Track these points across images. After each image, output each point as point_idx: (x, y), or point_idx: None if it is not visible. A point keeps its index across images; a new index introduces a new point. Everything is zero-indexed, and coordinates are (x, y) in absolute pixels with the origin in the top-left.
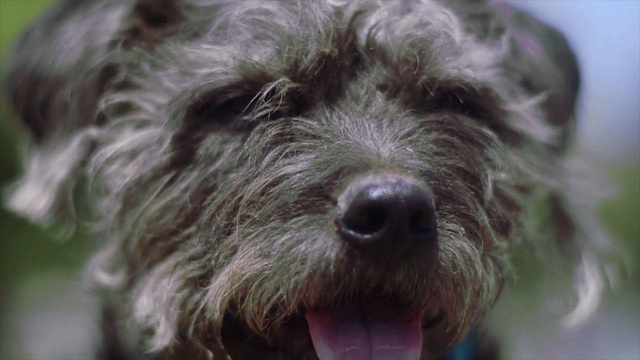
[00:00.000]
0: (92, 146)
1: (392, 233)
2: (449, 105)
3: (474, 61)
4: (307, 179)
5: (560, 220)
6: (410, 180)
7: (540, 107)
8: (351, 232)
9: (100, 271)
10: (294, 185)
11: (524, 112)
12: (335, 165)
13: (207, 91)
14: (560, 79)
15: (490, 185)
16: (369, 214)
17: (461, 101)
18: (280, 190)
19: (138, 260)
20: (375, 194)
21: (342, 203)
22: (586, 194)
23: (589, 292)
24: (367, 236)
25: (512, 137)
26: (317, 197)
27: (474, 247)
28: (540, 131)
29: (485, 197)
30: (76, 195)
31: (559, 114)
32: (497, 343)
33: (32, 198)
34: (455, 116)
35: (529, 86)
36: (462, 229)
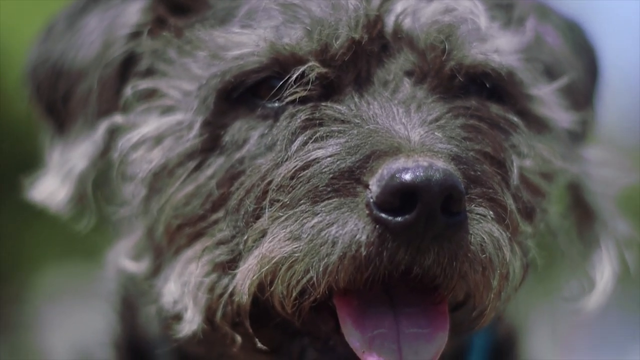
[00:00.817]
0: (115, 135)
1: (424, 216)
2: (475, 91)
3: (500, 46)
4: (338, 162)
5: (580, 207)
6: (441, 164)
7: (561, 94)
8: (383, 215)
9: (125, 258)
10: (325, 169)
11: (547, 96)
12: (365, 149)
13: (237, 73)
14: (579, 69)
15: (516, 171)
16: (401, 197)
17: (487, 85)
18: (311, 174)
19: (164, 247)
20: (407, 176)
21: (374, 186)
22: (606, 181)
23: (604, 276)
24: (399, 219)
25: (536, 124)
26: (348, 180)
27: (502, 231)
28: (562, 117)
29: (511, 182)
30: (98, 184)
31: (578, 102)
32: (515, 330)
33: (52, 189)
34: (481, 102)
35: (549, 74)
36: (491, 212)
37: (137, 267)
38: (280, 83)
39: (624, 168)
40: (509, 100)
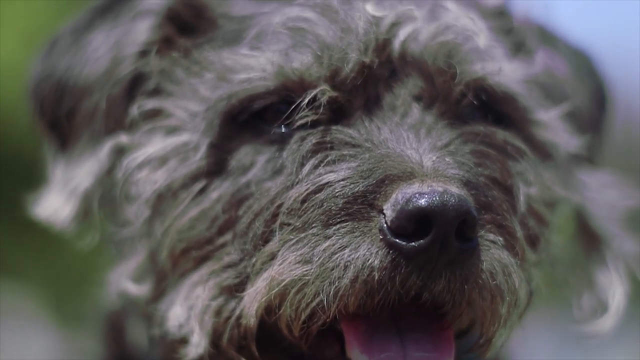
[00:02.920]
0: (119, 154)
1: (439, 241)
2: (481, 116)
3: (503, 69)
4: (351, 186)
5: (586, 234)
6: (455, 190)
7: (565, 119)
8: (397, 240)
9: (127, 280)
10: (338, 193)
11: (552, 121)
12: (378, 174)
13: (244, 97)
14: (584, 95)
15: (522, 198)
16: (415, 222)
17: (491, 106)
18: (324, 198)
19: (168, 270)
20: (422, 201)
21: (389, 211)
22: (611, 205)
23: (616, 297)
24: (413, 244)
25: (541, 150)
26: (361, 204)
27: (511, 259)
28: (567, 141)
29: (518, 209)
30: (101, 204)
31: (582, 127)
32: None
33: (56, 207)
34: (488, 128)
35: (553, 99)
36: (500, 239)
37: (138, 289)
38: (292, 107)
39: (628, 189)
40: (514, 126)
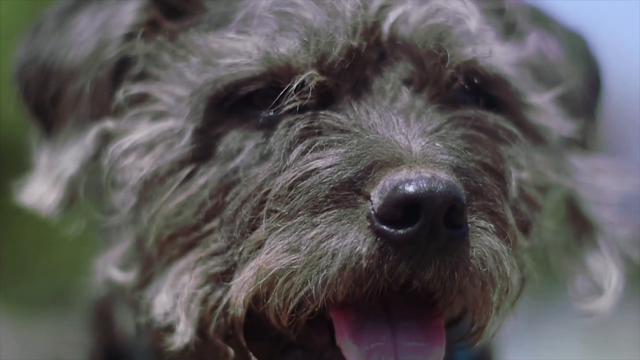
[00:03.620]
0: (105, 139)
1: (427, 228)
2: (473, 100)
3: (494, 52)
4: (338, 173)
5: (577, 219)
6: (444, 176)
7: (558, 103)
8: (384, 227)
9: (113, 267)
10: (325, 180)
11: (544, 105)
12: (366, 160)
13: (229, 82)
14: (578, 78)
15: (514, 183)
16: (403, 209)
17: (475, 81)
18: (310, 185)
19: (155, 257)
20: (410, 188)
21: (376, 198)
22: (603, 190)
23: (613, 279)
24: (401, 231)
25: (534, 134)
26: (348, 191)
27: (502, 245)
28: (560, 125)
29: (510, 194)
30: (86, 190)
31: (575, 111)
32: (492, 344)
33: (41, 193)
34: (480, 112)
35: (546, 82)
36: (491, 225)
37: (125, 277)
38: (281, 93)
39: (621, 174)
40: (506, 110)
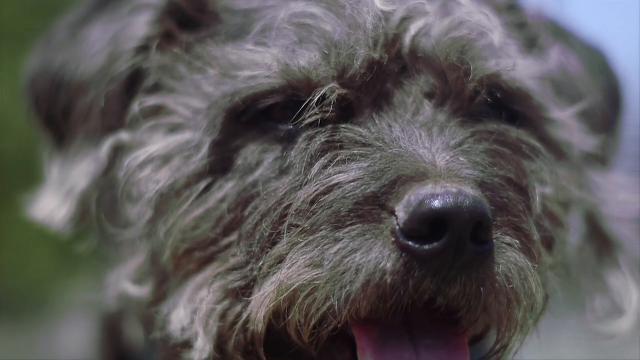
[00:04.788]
0: (119, 153)
1: (454, 244)
2: (495, 114)
3: (518, 66)
4: (362, 187)
5: (598, 236)
6: (470, 191)
7: (580, 118)
8: (410, 242)
9: (126, 282)
10: (348, 194)
11: (567, 120)
12: (390, 174)
13: (248, 95)
14: (598, 93)
15: (538, 198)
16: (429, 225)
17: (498, 95)
18: (333, 199)
19: (171, 272)
20: (437, 203)
21: (401, 212)
22: (624, 208)
23: (633, 299)
24: (427, 247)
25: (556, 150)
26: (372, 206)
27: (528, 262)
28: (582, 140)
29: (534, 210)
30: (100, 204)
31: (596, 127)
32: None
33: (52, 207)
34: (503, 126)
35: (567, 98)
36: (517, 241)
37: (139, 291)
38: (303, 106)
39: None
40: (529, 125)
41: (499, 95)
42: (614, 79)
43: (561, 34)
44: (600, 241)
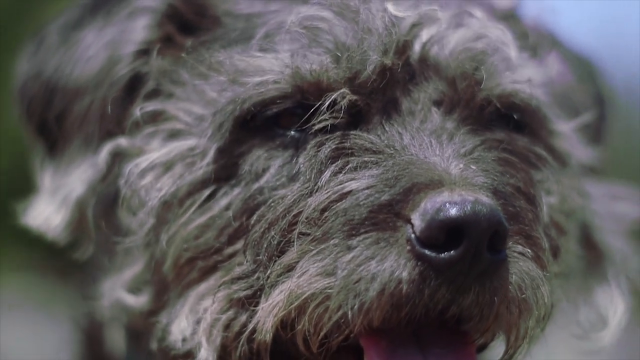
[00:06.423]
0: (117, 159)
1: (470, 253)
2: (502, 124)
3: (530, 77)
4: (376, 195)
5: (590, 247)
6: (486, 199)
7: (578, 130)
8: (426, 251)
9: (122, 291)
10: (362, 202)
11: (569, 132)
12: (404, 182)
13: (257, 101)
14: (588, 103)
15: (545, 207)
16: (446, 233)
17: (515, 117)
18: (346, 207)
19: (171, 280)
20: (454, 211)
21: (417, 220)
22: (616, 217)
23: (617, 312)
24: (443, 255)
25: (560, 160)
26: (387, 214)
27: (539, 271)
28: (581, 152)
29: (542, 219)
30: (97, 211)
31: (592, 137)
32: None
33: (46, 215)
34: (510, 135)
35: (565, 109)
36: (529, 250)
37: (135, 300)
38: (311, 111)
39: (634, 201)
40: (534, 135)
41: (515, 117)
42: (601, 87)
43: (555, 43)
44: (591, 252)
